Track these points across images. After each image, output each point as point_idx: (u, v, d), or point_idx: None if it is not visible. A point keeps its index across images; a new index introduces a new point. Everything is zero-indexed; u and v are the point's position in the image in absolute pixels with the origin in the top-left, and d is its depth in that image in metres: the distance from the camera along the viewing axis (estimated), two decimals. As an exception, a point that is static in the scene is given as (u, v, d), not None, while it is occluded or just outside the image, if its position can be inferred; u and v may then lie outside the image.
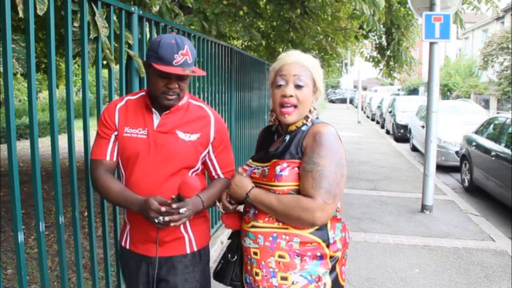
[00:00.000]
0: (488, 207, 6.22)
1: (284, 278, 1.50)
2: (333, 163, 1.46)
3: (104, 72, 4.83)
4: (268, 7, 6.37)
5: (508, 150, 5.70)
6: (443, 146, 8.43)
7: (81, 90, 1.97)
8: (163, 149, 1.65)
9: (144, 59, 1.80)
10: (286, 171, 1.50)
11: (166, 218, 1.51)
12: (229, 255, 1.71)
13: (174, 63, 1.54)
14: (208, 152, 1.75)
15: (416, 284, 3.53)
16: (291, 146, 1.55)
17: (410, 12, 7.17)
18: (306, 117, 1.61)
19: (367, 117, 24.29)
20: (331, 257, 1.53)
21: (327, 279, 1.53)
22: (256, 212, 1.56)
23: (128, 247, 1.79)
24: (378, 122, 19.88)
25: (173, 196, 1.53)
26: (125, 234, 1.81)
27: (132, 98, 1.74)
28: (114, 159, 1.70)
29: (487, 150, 6.32)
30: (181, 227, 1.71)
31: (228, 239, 1.75)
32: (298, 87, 1.56)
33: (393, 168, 8.65)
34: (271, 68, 1.66)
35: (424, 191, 5.55)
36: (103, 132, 1.69)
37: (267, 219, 1.53)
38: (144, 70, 2.49)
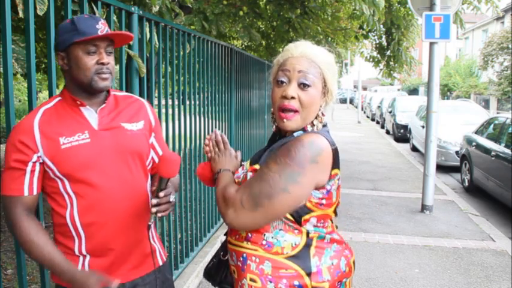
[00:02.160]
0: (488, 207, 6.21)
1: None
2: (283, 174, 1.19)
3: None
4: (268, 7, 6.38)
5: (508, 150, 5.70)
6: (443, 146, 8.43)
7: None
8: (117, 148, 1.44)
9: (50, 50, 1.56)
10: None
11: (158, 213, 1.35)
12: (222, 253, 1.49)
13: (99, 32, 1.35)
14: (151, 138, 1.59)
15: (416, 284, 3.53)
16: (272, 150, 1.32)
17: (410, 12, 7.17)
18: (312, 125, 1.33)
19: (367, 117, 24.28)
20: (313, 287, 1.26)
21: None
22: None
23: None
24: (378, 122, 19.87)
25: (156, 183, 1.36)
26: (79, 266, 1.44)
27: (48, 106, 1.42)
28: (35, 192, 1.37)
29: (487, 150, 6.32)
30: (150, 236, 1.49)
31: (224, 235, 1.50)
32: (303, 86, 1.28)
33: (393, 168, 8.65)
34: (275, 61, 1.39)
35: (424, 191, 5.55)
36: (16, 160, 1.34)
37: (237, 236, 1.34)
38: (144, 70, 2.49)
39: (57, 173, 1.37)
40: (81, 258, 1.42)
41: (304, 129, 1.33)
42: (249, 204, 1.21)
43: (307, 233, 1.28)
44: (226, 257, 1.45)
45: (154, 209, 1.35)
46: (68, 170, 1.37)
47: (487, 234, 4.78)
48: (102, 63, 1.38)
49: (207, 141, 1.50)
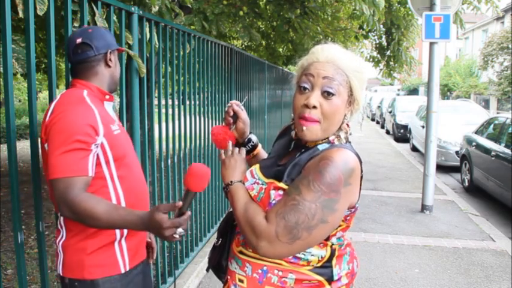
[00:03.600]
0: (488, 207, 6.21)
1: None
2: (318, 202, 1.13)
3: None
4: (268, 7, 6.38)
5: (508, 150, 5.70)
6: (443, 146, 8.43)
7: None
8: (129, 142, 1.64)
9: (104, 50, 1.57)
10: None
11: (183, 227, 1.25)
12: (216, 239, 1.45)
13: None
14: None
15: (416, 284, 3.53)
16: (296, 166, 1.24)
17: (410, 12, 7.18)
18: (338, 137, 1.25)
19: (367, 117, 24.29)
20: None
21: None
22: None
23: (127, 268, 1.54)
24: (378, 122, 19.88)
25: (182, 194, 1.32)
26: (117, 251, 1.52)
27: (86, 95, 1.50)
28: (93, 174, 1.42)
29: (487, 150, 6.32)
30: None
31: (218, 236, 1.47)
32: (326, 94, 1.20)
33: (393, 168, 8.65)
34: (299, 64, 1.31)
35: (424, 191, 5.55)
36: (81, 141, 1.36)
37: None
38: (144, 70, 2.49)
39: (110, 157, 1.46)
40: (117, 241, 1.51)
41: (331, 143, 1.25)
42: (286, 238, 1.14)
43: (331, 245, 1.26)
44: (219, 243, 1.43)
45: (182, 228, 1.24)
46: (119, 153, 1.49)
47: (487, 234, 4.78)
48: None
49: (230, 111, 1.43)
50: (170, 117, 3.10)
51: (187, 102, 3.42)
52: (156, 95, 2.98)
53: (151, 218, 1.24)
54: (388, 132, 15.78)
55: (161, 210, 1.22)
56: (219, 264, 1.43)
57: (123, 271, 1.52)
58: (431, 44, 5.35)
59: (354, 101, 1.26)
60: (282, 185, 1.22)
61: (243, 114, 1.44)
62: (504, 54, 17.86)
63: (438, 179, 7.25)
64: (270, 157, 1.41)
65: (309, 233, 1.14)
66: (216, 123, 4.14)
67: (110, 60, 1.58)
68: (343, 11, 7.88)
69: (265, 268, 1.25)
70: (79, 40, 1.52)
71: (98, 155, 1.43)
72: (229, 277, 1.35)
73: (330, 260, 1.25)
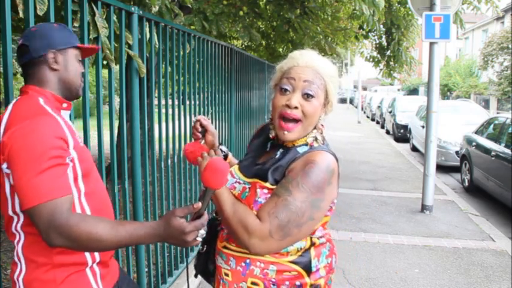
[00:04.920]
0: (488, 207, 6.21)
1: None
2: (307, 201, 1.24)
3: (104, 72, 4.82)
4: (268, 7, 6.38)
5: (508, 150, 5.70)
6: (443, 146, 8.43)
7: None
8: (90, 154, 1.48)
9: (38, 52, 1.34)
10: (266, 198, 1.29)
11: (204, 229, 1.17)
12: (201, 247, 1.50)
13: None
14: None
15: (416, 284, 3.53)
16: (278, 168, 1.32)
17: (410, 12, 7.17)
18: (315, 139, 1.36)
19: (367, 117, 24.28)
20: (311, 285, 1.34)
21: None
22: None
23: None
24: (378, 122, 19.87)
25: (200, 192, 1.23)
26: (90, 277, 1.33)
27: (43, 103, 1.30)
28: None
29: (487, 150, 6.32)
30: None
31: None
32: (306, 96, 1.30)
33: (393, 168, 8.65)
34: (279, 67, 1.40)
35: (424, 191, 5.55)
36: (58, 157, 1.19)
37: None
38: (144, 70, 2.49)
39: (79, 172, 1.28)
40: (89, 267, 1.33)
41: (310, 146, 1.35)
42: (278, 235, 1.23)
43: (311, 238, 1.35)
44: (204, 250, 1.48)
45: (204, 230, 1.18)
46: (87, 167, 1.32)
47: (487, 234, 4.78)
48: (82, 73, 1.40)
49: (197, 126, 1.48)
50: (170, 117, 3.10)
51: (187, 102, 3.42)
52: (156, 95, 2.98)
53: (168, 226, 1.12)
54: (388, 132, 15.78)
55: (178, 214, 1.13)
56: (206, 269, 1.49)
57: None
58: (431, 44, 5.35)
59: (328, 103, 1.37)
60: (267, 185, 1.31)
61: (211, 127, 1.48)
62: (504, 54, 17.86)
63: (438, 179, 7.25)
64: (247, 157, 1.48)
65: (298, 230, 1.25)
66: (216, 123, 4.14)
67: (55, 62, 1.34)
68: (343, 11, 7.87)
69: (248, 261, 1.33)
70: (20, 41, 1.35)
71: None
72: (217, 271, 1.42)
73: (308, 252, 1.33)
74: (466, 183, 7.14)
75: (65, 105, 1.36)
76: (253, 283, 1.32)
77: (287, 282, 1.31)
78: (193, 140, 1.50)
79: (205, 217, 1.16)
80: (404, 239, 4.55)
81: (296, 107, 1.30)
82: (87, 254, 1.31)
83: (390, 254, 4.14)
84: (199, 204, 1.13)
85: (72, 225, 1.14)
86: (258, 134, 1.54)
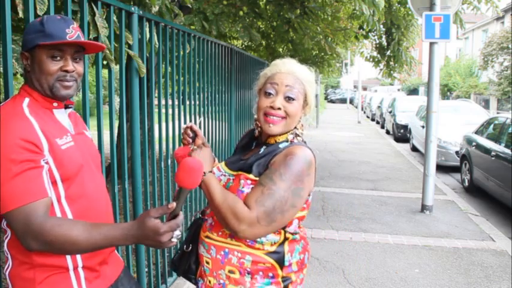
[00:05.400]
0: (488, 207, 6.21)
1: None
2: (289, 190, 1.37)
3: (104, 72, 4.83)
4: (268, 7, 6.37)
5: (508, 150, 5.70)
6: (443, 146, 8.43)
7: (81, 90, 1.96)
8: (90, 153, 1.42)
9: (22, 49, 1.34)
10: (249, 187, 1.41)
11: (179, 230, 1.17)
12: (185, 246, 1.60)
13: (67, 37, 1.27)
14: None
15: (416, 284, 3.53)
16: (262, 161, 1.46)
17: (410, 12, 7.16)
18: (296, 135, 1.51)
19: (367, 117, 24.28)
20: (283, 277, 1.46)
21: None
22: (213, 223, 1.48)
23: None
24: (378, 122, 19.87)
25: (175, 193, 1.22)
26: (73, 280, 1.31)
27: (25, 104, 1.29)
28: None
29: (487, 150, 6.32)
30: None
31: (187, 229, 1.64)
32: (288, 99, 1.46)
33: (393, 168, 8.65)
34: (262, 74, 1.57)
35: (424, 191, 5.55)
36: (28, 161, 1.17)
37: (220, 233, 1.46)
38: (144, 70, 2.49)
39: (57, 177, 1.25)
40: (71, 270, 1.30)
41: (291, 142, 1.50)
42: (265, 221, 1.36)
43: (285, 233, 1.46)
44: (189, 249, 1.58)
45: (179, 231, 1.18)
46: (69, 172, 1.28)
47: (487, 234, 4.78)
48: (66, 71, 1.29)
49: (189, 132, 1.56)
50: (170, 117, 3.10)
51: (187, 102, 3.42)
52: (156, 95, 2.98)
53: (143, 227, 1.13)
54: (388, 132, 15.78)
55: (152, 215, 1.13)
56: (189, 268, 1.59)
57: None
58: (431, 44, 5.35)
59: (307, 105, 1.54)
60: (251, 176, 1.44)
61: (200, 132, 1.60)
62: (504, 54, 17.87)
63: (438, 179, 7.25)
64: (234, 155, 1.65)
65: (282, 216, 1.38)
66: (216, 123, 4.14)
67: (27, 62, 1.31)
68: (343, 11, 7.87)
69: (226, 250, 1.45)
70: None
71: None
72: (200, 259, 1.54)
73: (281, 246, 1.45)
74: (466, 183, 7.14)
75: (55, 104, 1.33)
76: (230, 271, 1.44)
77: (261, 273, 1.44)
78: (182, 146, 1.58)
79: (181, 217, 1.16)
80: (404, 239, 4.55)
81: (279, 108, 1.45)
82: (68, 258, 1.28)
83: (390, 254, 4.14)
84: (174, 204, 1.13)
85: (47, 229, 1.14)
86: (245, 137, 1.71)
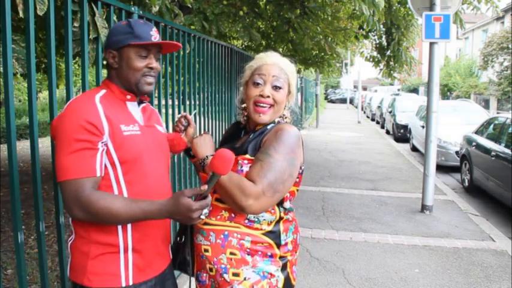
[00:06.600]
0: (488, 207, 6.21)
1: (236, 274, 1.52)
2: (285, 160, 1.49)
3: (104, 72, 4.81)
4: (268, 7, 6.38)
5: (508, 150, 5.70)
6: (443, 146, 8.43)
7: (81, 90, 1.96)
8: (157, 145, 1.54)
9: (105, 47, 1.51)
10: (247, 166, 1.52)
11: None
12: (178, 238, 1.65)
13: (152, 39, 1.45)
14: None
15: (416, 284, 3.53)
16: (253, 142, 1.58)
17: (410, 12, 7.17)
18: (282, 117, 1.66)
19: (367, 117, 24.28)
20: (281, 256, 1.56)
21: (279, 275, 1.55)
22: (210, 209, 1.45)
23: (130, 283, 1.43)
24: (378, 122, 19.87)
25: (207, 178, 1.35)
26: (121, 262, 1.42)
27: (100, 94, 1.46)
28: (103, 173, 1.38)
29: (487, 150, 6.32)
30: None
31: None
32: (276, 88, 1.60)
33: (393, 168, 8.65)
34: (248, 66, 1.68)
35: (424, 191, 5.55)
36: (86, 141, 1.33)
37: (219, 216, 1.54)
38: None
39: (115, 159, 1.39)
40: (122, 252, 1.41)
41: (278, 122, 1.64)
42: (269, 192, 1.45)
43: (279, 212, 1.57)
44: (182, 240, 1.63)
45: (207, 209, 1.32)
46: (128, 156, 1.41)
47: (487, 234, 4.78)
48: (151, 68, 1.47)
49: (182, 121, 1.71)
50: (170, 117, 3.10)
51: (187, 102, 3.42)
52: (156, 95, 2.98)
53: (177, 203, 1.28)
54: (388, 132, 15.78)
55: (186, 194, 1.29)
56: (185, 260, 1.63)
57: (123, 285, 1.41)
58: (431, 44, 5.35)
59: (290, 94, 1.67)
60: (247, 156, 1.55)
61: (193, 122, 1.74)
62: (504, 54, 17.87)
63: (438, 179, 7.25)
64: (225, 145, 1.68)
65: (283, 186, 1.49)
66: (216, 123, 4.14)
67: (114, 60, 1.47)
68: (343, 11, 7.86)
69: (226, 233, 1.53)
70: None
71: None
72: (196, 251, 1.60)
73: (277, 226, 1.56)
74: (466, 183, 7.14)
75: (128, 97, 1.50)
76: (231, 253, 1.52)
77: (260, 253, 1.53)
78: (173, 132, 1.72)
79: (209, 198, 1.31)
80: (404, 239, 4.55)
81: (268, 96, 1.59)
82: (120, 238, 1.41)
83: (390, 254, 4.14)
84: (206, 186, 1.29)
85: (93, 201, 1.31)
86: (229, 130, 1.83)
